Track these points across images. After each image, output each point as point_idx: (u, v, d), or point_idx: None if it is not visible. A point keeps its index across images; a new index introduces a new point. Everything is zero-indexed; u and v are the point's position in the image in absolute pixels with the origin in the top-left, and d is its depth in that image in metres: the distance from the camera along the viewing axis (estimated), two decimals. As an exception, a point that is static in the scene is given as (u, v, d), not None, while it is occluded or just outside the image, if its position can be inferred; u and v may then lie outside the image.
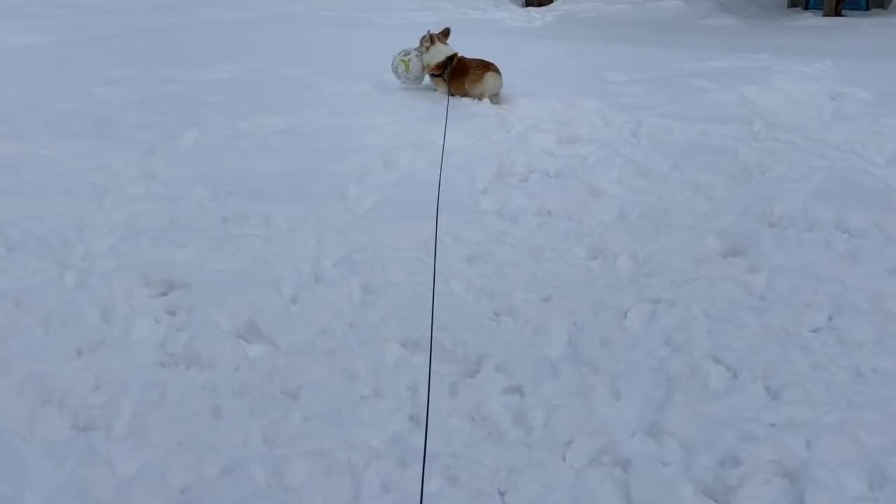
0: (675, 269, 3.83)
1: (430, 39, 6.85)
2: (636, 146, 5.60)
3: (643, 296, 3.59)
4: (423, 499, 2.36)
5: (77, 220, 4.16)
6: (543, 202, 4.57)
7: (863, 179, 4.88)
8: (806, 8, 15.21)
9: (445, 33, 6.99)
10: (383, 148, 5.38)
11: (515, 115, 6.28)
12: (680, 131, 5.93)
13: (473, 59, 6.79)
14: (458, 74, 6.72)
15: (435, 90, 7.01)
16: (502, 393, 2.92)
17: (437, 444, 2.60)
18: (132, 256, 3.78)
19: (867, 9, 14.96)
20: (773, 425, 2.70)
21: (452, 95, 6.73)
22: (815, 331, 3.34)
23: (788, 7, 15.59)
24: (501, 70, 6.71)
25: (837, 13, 14.28)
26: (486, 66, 6.68)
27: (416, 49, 6.93)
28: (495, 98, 6.66)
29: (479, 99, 6.57)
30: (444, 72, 6.80)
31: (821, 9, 14.59)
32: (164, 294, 3.52)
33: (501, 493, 2.45)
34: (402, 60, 6.91)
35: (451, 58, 6.82)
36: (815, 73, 8.19)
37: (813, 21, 13.80)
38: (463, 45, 7.06)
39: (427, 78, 7.04)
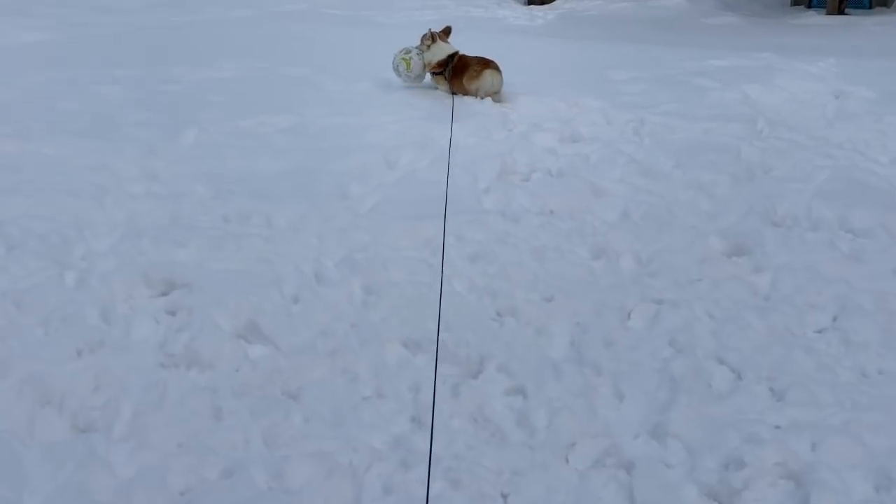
0: (678, 269, 3.81)
1: (432, 38, 6.83)
2: (639, 145, 5.58)
3: (646, 296, 3.57)
4: (425, 501, 2.34)
5: (77, 219, 4.14)
6: (546, 201, 4.55)
7: (867, 178, 4.86)
8: (809, 6, 15.18)
9: (447, 31, 6.98)
10: (385, 147, 5.36)
11: (517, 114, 6.26)
12: (682, 130, 5.91)
13: (474, 57, 6.77)
14: (459, 72, 6.71)
15: (436, 89, 6.99)
16: (505, 394, 2.90)
17: (439, 445, 2.58)
18: (133, 256, 3.76)
19: (870, 7, 14.92)
20: (777, 427, 2.68)
21: (454, 94, 6.71)
22: (819, 331, 3.32)
23: (791, 5, 15.56)
24: (502, 68, 6.69)
25: (840, 11, 14.25)
26: (485, 64, 6.67)
27: (416, 47, 6.92)
28: (497, 96, 6.64)
29: (482, 97, 6.54)
30: (445, 70, 6.79)
31: (824, 7, 14.56)
32: (165, 294, 3.50)
33: (504, 496, 2.43)
34: (404, 59, 6.89)
35: (452, 56, 6.80)
36: (819, 71, 8.16)
37: (816, 19, 13.77)
38: (465, 44, 7.04)
39: (428, 76, 7.02)
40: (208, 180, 4.74)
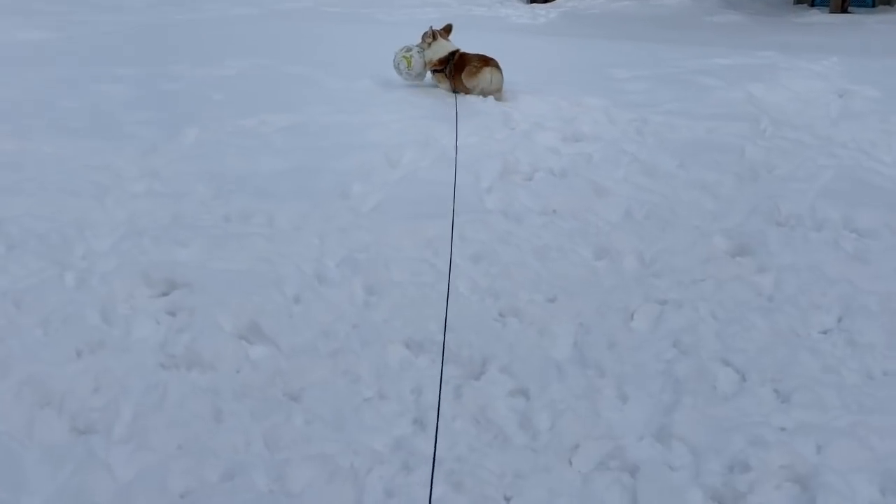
0: (681, 270, 3.79)
1: (432, 35, 6.81)
2: (642, 144, 5.56)
3: (650, 296, 3.55)
4: (428, 504, 2.33)
5: (78, 218, 4.12)
6: (548, 201, 4.53)
7: (871, 178, 4.84)
8: (812, 4, 15.12)
9: (447, 29, 6.95)
10: (387, 146, 5.33)
11: (520, 113, 6.23)
12: (686, 129, 5.88)
13: (475, 55, 6.75)
14: (460, 70, 6.68)
15: (437, 87, 6.97)
16: (508, 395, 2.88)
17: (441, 448, 2.56)
18: (133, 256, 3.74)
19: (874, 5, 14.86)
20: (783, 429, 2.66)
21: (456, 92, 6.68)
22: (824, 332, 3.30)
23: (794, 4, 15.50)
24: (503, 67, 6.66)
25: (844, 10, 14.20)
26: (485, 61, 6.64)
27: (417, 45, 6.89)
28: (498, 95, 6.61)
29: (483, 95, 6.51)
30: (445, 68, 6.76)
31: (827, 5, 14.51)
32: (166, 294, 3.48)
33: (507, 499, 2.42)
34: (404, 57, 6.87)
35: (453, 54, 6.77)
36: (823, 70, 8.12)
37: (819, 18, 13.72)
38: (466, 42, 7.01)
39: (429, 75, 7.00)
40: (209, 179, 4.72)
